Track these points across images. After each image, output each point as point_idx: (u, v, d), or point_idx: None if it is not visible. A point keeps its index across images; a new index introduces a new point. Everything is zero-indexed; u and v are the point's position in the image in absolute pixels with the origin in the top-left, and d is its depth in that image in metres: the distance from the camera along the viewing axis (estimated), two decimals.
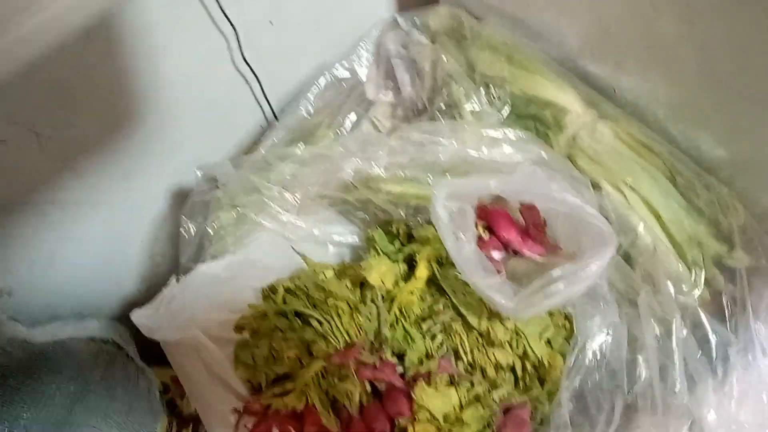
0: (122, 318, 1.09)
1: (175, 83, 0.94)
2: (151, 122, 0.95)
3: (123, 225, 1.05)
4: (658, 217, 0.73)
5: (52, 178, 0.90)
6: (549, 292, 0.64)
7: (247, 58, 0.97)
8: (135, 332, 1.05)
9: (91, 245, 1.02)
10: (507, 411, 0.72)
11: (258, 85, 1.02)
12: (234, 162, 0.86)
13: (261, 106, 1.08)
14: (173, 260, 1.15)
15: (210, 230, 0.84)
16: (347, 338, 0.73)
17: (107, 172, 0.95)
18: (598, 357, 0.70)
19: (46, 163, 0.88)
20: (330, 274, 0.78)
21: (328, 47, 1.07)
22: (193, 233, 0.85)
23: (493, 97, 0.82)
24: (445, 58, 0.84)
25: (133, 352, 1.03)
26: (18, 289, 0.97)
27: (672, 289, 0.70)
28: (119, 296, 1.14)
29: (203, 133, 1.03)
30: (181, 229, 0.86)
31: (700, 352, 0.68)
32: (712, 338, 0.69)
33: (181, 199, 1.08)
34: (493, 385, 0.72)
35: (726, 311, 0.71)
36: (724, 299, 0.71)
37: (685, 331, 0.68)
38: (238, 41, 0.94)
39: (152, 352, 1.03)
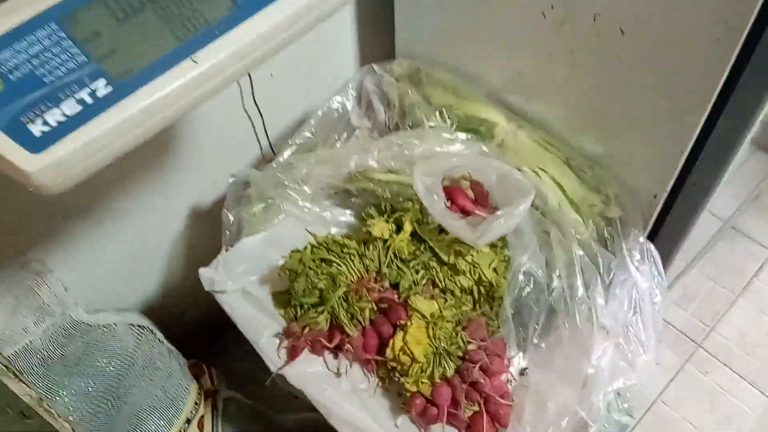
0: (144, 312, 1.42)
1: (201, 118, 1.33)
2: (183, 147, 1.33)
3: (152, 235, 1.40)
4: (561, 188, 1.18)
5: (110, 190, 1.24)
6: (496, 225, 1.07)
7: (256, 102, 1.39)
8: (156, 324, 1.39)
9: (128, 249, 1.35)
10: (469, 321, 1.13)
11: (261, 122, 1.44)
12: (259, 169, 1.27)
13: (259, 140, 1.49)
14: (186, 264, 1.51)
15: (246, 216, 1.24)
16: (359, 274, 1.14)
17: (151, 188, 1.31)
18: (527, 277, 1.13)
19: (107, 177, 1.24)
20: (338, 237, 1.20)
21: (309, 91, 1.50)
22: (231, 221, 1.24)
23: (445, 118, 1.28)
24: (410, 92, 1.30)
25: (162, 337, 1.36)
26: (72, 285, 1.26)
27: (573, 231, 1.15)
28: (142, 294, 1.48)
29: (216, 159, 1.42)
30: (223, 218, 1.24)
31: (593, 267, 1.12)
32: (600, 258, 1.11)
33: (197, 213, 1.46)
34: (459, 303, 1.13)
35: (608, 242, 1.16)
36: (606, 234, 1.16)
37: (581, 253, 1.12)
38: (252, 88, 1.36)
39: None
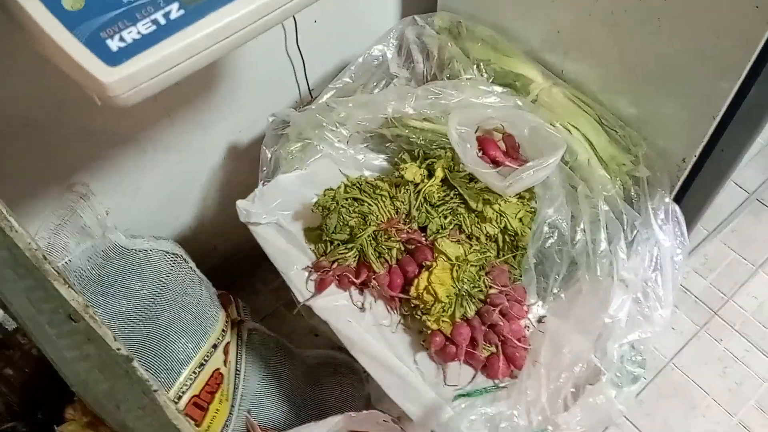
0: (178, 242, 1.47)
1: (244, 60, 1.38)
2: (227, 87, 1.37)
3: (191, 169, 1.46)
4: (591, 145, 1.22)
5: (154, 123, 1.29)
6: (526, 176, 1.11)
7: (299, 46, 1.44)
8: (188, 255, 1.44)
9: (167, 181, 1.41)
10: (492, 267, 1.19)
11: (302, 67, 1.49)
12: (297, 110, 1.32)
13: (299, 84, 1.54)
14: (221, 200, 1.57)
15: (283, 154, 1.29)
16: (389, 215, 1.19)
17: (193, 122, 1.36)
18: (552, 228, 1.18)
19: (153, 110, 1.27)
20: (371, 179, 1.25)
21: (350, 39, 1.52)
22: (269, 158, 1.29)
23: (482, 71, 1.32)
24: (449, 45, 1.34)
25: (194, 266, 1.42)
26: (112, 210, 1.33)
27: (600, 187, 1.19)
28: (176, 227, 1.54)
29: (256, 99, 1.46)
30: (261, 155, 1.29)
31: (617, 223, 1.16)
32: (624, 215, 1.16)
33: (234, 150, 1.52)
34: (483, 250, 1.19)
35: (633, 201, 1.20)
36: (632, 193, 1.20)
37: (606, 209, 1.17)
38: (296, 32, 1.40)
39: None
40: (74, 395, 0.96)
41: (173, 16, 0.60)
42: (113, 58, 0.58)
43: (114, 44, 0.58)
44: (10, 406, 1.06)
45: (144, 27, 0.59)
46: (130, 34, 0.58)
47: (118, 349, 0.67)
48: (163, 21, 0.59)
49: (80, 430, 0.98)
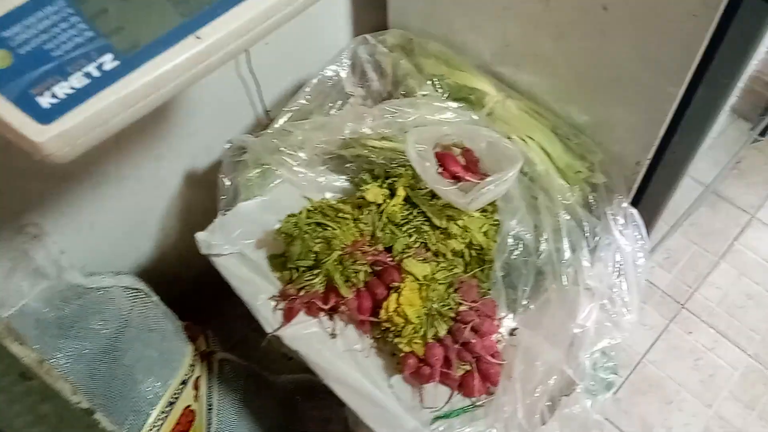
0: (139, 275, 1.42)
1: (197, 84, 1.33)
2: (179, 113, 1.33)
3: (147, 199, 1.40)
4: (548, 155, 1.20)
5: (107, 154, 1.24)
6: (486, 191, 1.09)
7: (251, 69, 1.40)
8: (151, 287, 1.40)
9: (122, 215, 1.36)
10: (461, 283, 1.16)
11: (257, 89, 1.45)
12: (254, 135, 1.28)
13: (254, 107, 1.50)
14: (181, 228, 1.53)
15: (242, 181, 1.25)
16: (353, 238, 1.16)
17: (146, 152, 1.31)
18: (516, 240, 1.15)
19: (104, 141, 1.24)
20: (333, 202, 1.22)
21: (304, 60, 1.50)
22: (227, 186, 1.26)
23: (436, 87, 1.30)
24: (402, 62, 1.31)
25: (158, 300, 1.37)
26: (67, 248, 1.27)
27: (559, 196, 1.17)
28: (136, 258, 1.49)
29: (212, 124, 1.41)
30: (219, 183, 1.25)
31: (579, 231, 1.15)
32: (585, 223, 1.14)
33: (192, 178, 1.47)
34: (450, 266, 1.16)
35: (592, 207, 1.19)
36: (590, 200, 1.19)
37: (567, 218, 1.15)
38: (247, 55, 1.37)
39: None
40: None
41: (107, 67, 0.56)
42: (45, 116, 0.54)
43: (45, 101, 0.54)
44: None
45: (77, 81, 0.55)
46: (62, 90, 0.55)
47: (78, 403, 0.63)
48: (97, 73, 0.56)
49: None
